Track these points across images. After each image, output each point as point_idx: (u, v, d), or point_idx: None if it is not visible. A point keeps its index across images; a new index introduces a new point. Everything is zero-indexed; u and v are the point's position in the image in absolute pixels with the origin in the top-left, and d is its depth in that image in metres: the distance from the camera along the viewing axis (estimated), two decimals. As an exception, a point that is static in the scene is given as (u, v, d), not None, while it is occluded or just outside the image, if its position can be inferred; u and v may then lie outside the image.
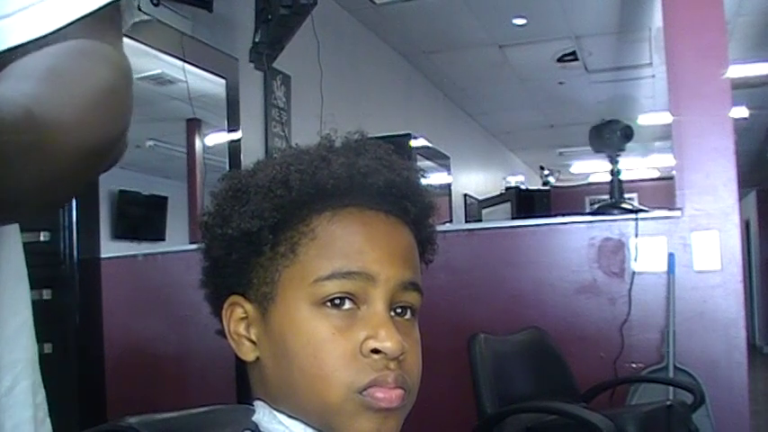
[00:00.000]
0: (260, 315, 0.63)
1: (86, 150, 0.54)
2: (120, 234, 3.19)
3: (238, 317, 0.64)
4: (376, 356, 0.59)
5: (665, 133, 5.51)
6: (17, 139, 0.45)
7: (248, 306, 0.63)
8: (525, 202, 7.14)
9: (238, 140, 3.77)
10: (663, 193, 4.19)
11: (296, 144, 0.68)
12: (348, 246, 0.61)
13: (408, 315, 0.63)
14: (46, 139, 0.48)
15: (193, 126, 3.71)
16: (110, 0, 0.64)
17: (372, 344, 0.58)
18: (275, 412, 0.62)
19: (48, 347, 2.35)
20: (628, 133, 3.18)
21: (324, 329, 0.59)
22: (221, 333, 0.65)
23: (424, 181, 0.69)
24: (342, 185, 0.61)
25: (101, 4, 0.63)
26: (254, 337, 0.63)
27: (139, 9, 2.95)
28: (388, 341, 0.58)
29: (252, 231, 0.61)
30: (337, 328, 0.59)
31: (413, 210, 0.65)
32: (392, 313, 0.61)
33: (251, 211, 0.62)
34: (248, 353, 0.63)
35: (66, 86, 0.54)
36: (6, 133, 0.44)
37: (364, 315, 0.60)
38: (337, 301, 0.60)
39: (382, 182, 0.62)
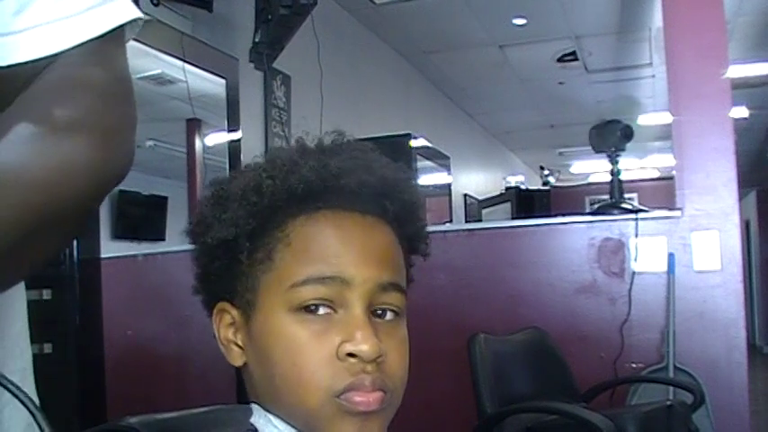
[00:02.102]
0: (244, 321, 0.63)
1: (75, 210, 0.56)
2: (120, 234, 3.18)
3: (227, 323, 0.64)
4: (353, 360, 0.58)
5: (665, 133, 5.51)
6: None
7: (234, 312, 0.64)
8: (525, 202, 7.14)
9: (238, 140, 3.77)
10: (663, 193, 4.20)
11: (287, 144, 0.68)
12: (322, 250, 0.60)
13: (389, 316, 0.63)
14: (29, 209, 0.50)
15: (193, 126, 3.70)
16: (114, 26, 0.64)
17: (348, 347, 0.58)
18: (268, 415, 0.63)
19: (48, 347, 2.36)
20: (628, 133, 3.18)
21: (301, 335, 0.59)
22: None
23: (407, 176, 0.68)
24: (314, 189, 0.61)
25: (106, 30, 0.63)
26: (240, 343, 0.64)
27: (139, 9, 2.94)
28: (363, 344, 0.58)
29: (229, 239, 0.62)
30: (314, 333, 0.59)
31: (391, 207, 0.64)
32: (373, 315, 0.61)
33: (228, 218, 0.62)
34: (236, 358, 0.64)
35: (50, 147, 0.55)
36: None
37: (341, 319, 0.60)
38: (313, 307, 0.59)
39: (354, 183, 0.62)
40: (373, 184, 0.63)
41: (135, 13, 0.65)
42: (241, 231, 0.61)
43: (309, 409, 0.59)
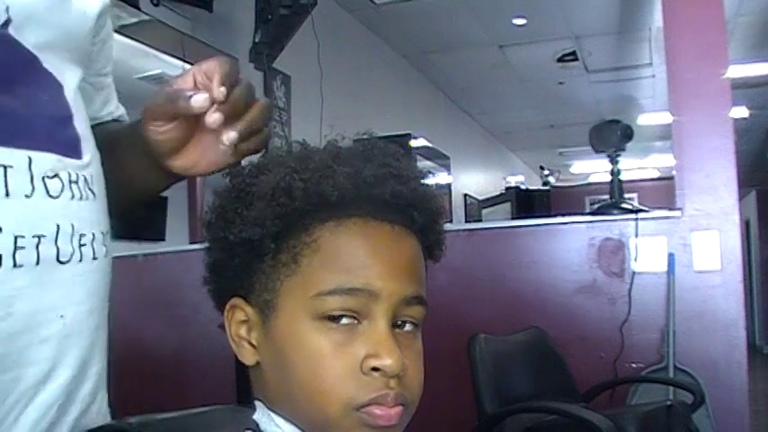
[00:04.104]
0: (261, 321, 0.62)
1: None
2: (120, 234, 3.18)
3: (239, 319, 0.63)
4: (376, 374, 0.58)
5: (665, 133, 5.51)
6: None
7: (249, 310, 0.63)
8: (525, 202, 7.14)
9: (238, 140, 3.76)
10: (663, 193, 4.20)
11: (303, 140, 0.66)
12: (351, 259, 0.59)
13: (409, 327, 0.62)
14: None
15: (193, 126, 3.70)
16: None
17: (373, 362, 0.58)
18: (273, 414, 0.62)
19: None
20: (628, 133, 3.17)
21: (324, 344, 0.58)
22: (224, 327, 0.65)
23: (430, 181, 0.67)
24: (346, 196, 0.60)
25: None
26: (254, 342, 0.63)
27: (139, 9, 2.95)
28: (388, 359, 0.57)
29: (253, 239, 0.60)
30: (338, 344, 0.58)
31: (419, 219, 0.64)
32: (393, 326, 0.61)
33: (253, 217, 0.60)
34: (249, 357, 0.63)
35: None
36: None
37: (365, 331, 0.59)
38: (336, 316, 0.59)
39: (388, 193, 0.61)
40: (405, 195, 0.62)
41: None
42: (267, 232, 0.60)
43: (327, 419, 0.58)
